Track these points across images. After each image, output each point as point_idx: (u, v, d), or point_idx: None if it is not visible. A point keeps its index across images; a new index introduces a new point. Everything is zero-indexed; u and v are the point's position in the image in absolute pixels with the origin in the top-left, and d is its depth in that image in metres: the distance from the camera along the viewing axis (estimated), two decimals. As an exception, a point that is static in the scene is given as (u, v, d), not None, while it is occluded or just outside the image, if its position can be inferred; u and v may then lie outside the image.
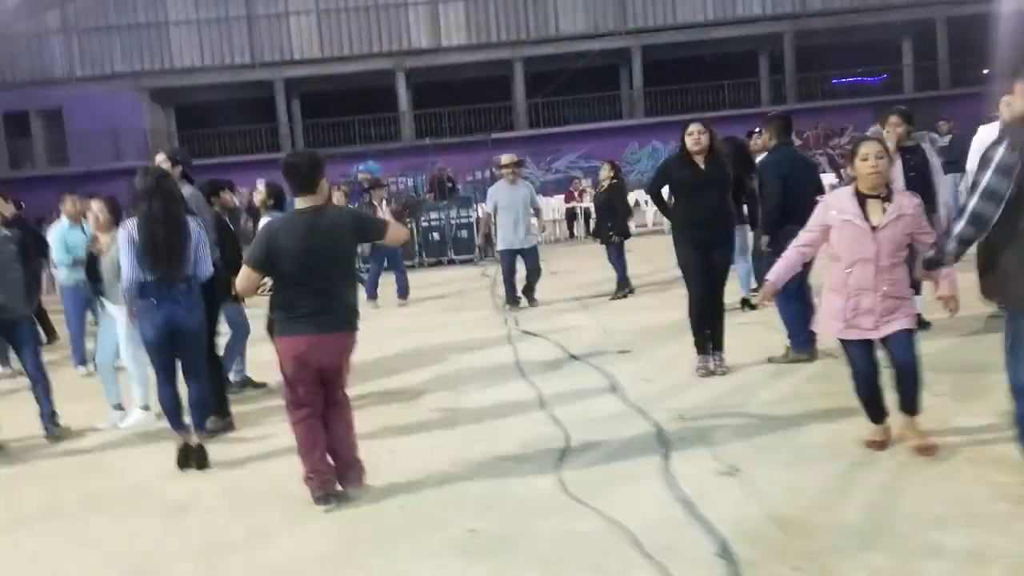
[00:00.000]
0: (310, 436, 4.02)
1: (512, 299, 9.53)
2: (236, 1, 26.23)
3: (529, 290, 9.63)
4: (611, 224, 9.73)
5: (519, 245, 9.42)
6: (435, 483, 4.20)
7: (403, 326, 9.01)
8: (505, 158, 9.77)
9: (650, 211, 17.73)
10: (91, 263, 5.87)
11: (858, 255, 3.88)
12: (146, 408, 5.78)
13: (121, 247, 4.78)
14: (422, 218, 15.82)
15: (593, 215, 10.64)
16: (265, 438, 5.26)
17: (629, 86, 27.71)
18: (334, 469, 4.09)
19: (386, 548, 3.53)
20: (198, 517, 4.11)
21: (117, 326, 5.80)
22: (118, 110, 25.00)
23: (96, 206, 5.73)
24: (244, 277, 4.03)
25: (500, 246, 9.62)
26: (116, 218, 5.72)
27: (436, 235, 15.80)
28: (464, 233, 15.85)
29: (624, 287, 9.63)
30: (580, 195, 18.94)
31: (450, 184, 18.69)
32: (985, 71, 24.55)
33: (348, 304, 4.08)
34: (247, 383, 6.65)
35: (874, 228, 3.85)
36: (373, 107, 26.88)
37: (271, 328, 4.22)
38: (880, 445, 4.07)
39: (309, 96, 27.58)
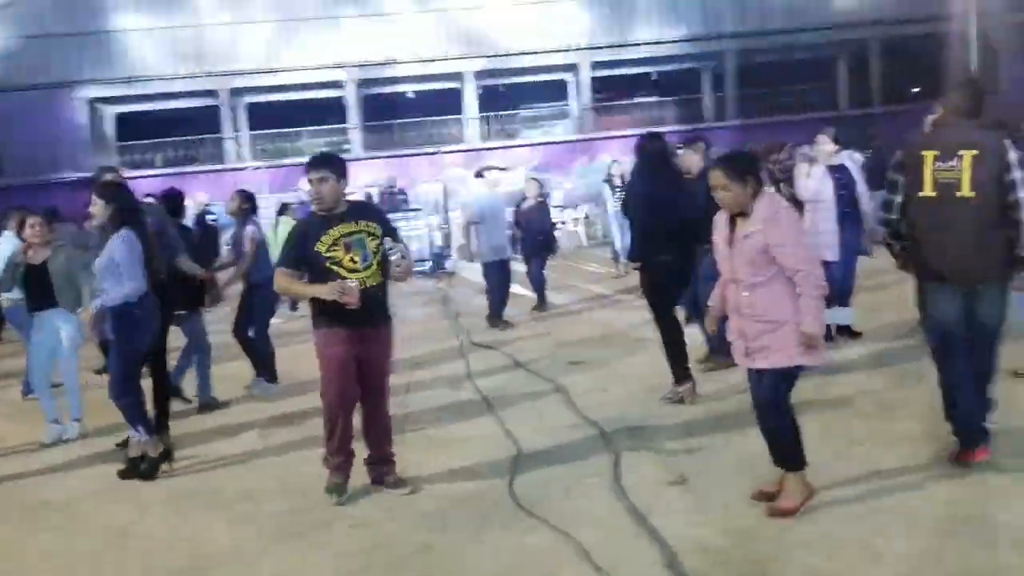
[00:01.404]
0: None
1: (497, 316, 8.77)
2: (183, 10, 25.74)
3: (541, 299, 9.39)
4: (539, 240, 9.62)
5: (508, 254, 8.98)
6: (386, 500, 4.18)
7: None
8: (487, 164, 9.59)
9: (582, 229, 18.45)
10: (29, 275, 5.71)
11: (725, 274, 3.64)
12: (78, 420, 5.86)
13: (130, 256, 4.64)
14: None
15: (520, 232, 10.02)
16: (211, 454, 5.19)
17: (578, 101, 28.00)
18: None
19: (335, 570, 3.50)
20: (154, 540, 4.02)
21: (63, 334, 5.72)
22: (57, 120, 24.28)
23: (33, 220, 5.84)
24: None
25: (488, 257, 8.76)
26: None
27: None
28: (415, 245, 15.82)
29: (544, 302, 9.59)
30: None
31: (401, 196, 18.69)
32: (915, 89, 25.49)
33: None
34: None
35: (731, 247, 3.55)
36: (322, 119, 26.66)
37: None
38: (766, 496, 3.63)
39: (256, 107, 27.20)
